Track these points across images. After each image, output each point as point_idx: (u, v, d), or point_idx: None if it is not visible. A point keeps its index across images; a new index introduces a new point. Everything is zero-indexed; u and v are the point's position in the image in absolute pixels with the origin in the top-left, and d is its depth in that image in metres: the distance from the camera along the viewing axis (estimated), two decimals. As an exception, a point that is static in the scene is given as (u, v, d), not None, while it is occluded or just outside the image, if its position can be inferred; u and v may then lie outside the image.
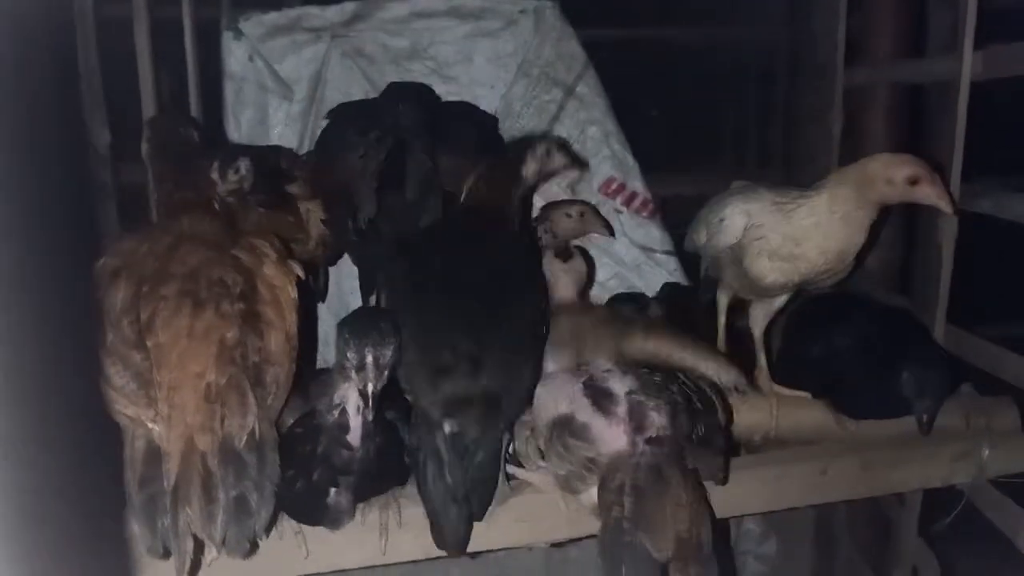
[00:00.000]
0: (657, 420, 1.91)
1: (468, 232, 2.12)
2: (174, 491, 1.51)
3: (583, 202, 2.99)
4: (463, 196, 2.26)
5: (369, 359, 1.71)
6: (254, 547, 1.59)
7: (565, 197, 3.16)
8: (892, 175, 2.22)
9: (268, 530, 1.60)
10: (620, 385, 1.98)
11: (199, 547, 1.60)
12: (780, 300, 2.63)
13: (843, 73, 3.27)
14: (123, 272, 1.76)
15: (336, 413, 1.83)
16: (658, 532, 1.78)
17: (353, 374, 1.73)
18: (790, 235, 2.33)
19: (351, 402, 1.81)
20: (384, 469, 1.93)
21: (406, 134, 2.44)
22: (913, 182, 2.21)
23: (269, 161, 2.54)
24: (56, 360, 1.18)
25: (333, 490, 1.87)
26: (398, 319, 1.91)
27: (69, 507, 1.20)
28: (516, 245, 2.14)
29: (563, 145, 2.39)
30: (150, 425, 1.59)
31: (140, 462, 1.58)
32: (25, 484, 0.94)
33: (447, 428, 1.82)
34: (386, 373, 1.75)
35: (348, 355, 1.72)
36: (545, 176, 2.40)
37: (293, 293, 1.83)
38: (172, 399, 1.57)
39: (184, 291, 1.68)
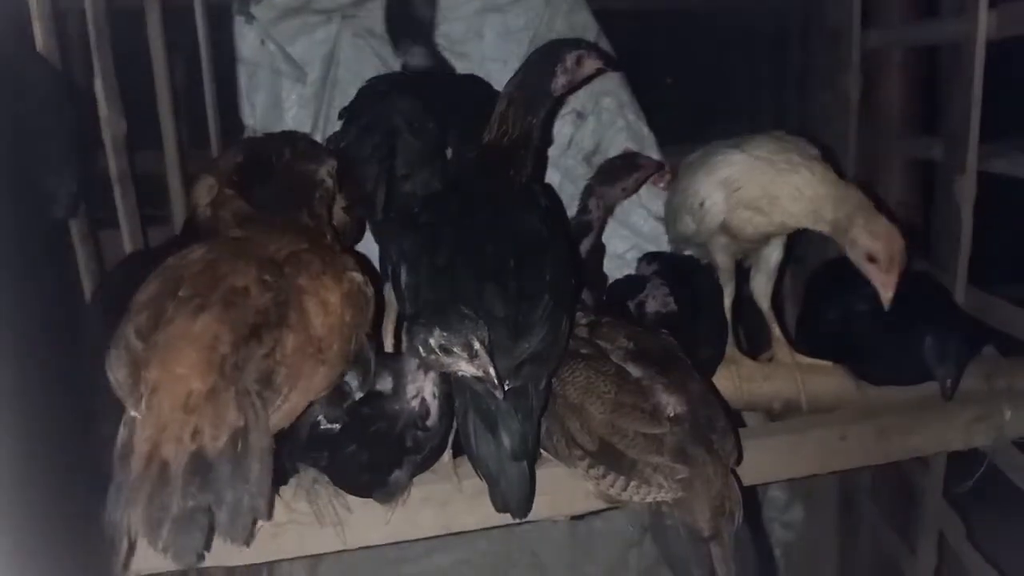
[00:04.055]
0: (671, 399, 1.94)
1: (479, 194, 2.08)
2: (128, 489, 1.50)
3: (631, 166, 3.03)
4: (488, 130, 2.18)
5: (477, 345, 1.73)
6: (200, 558, 1.54)
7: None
8: (871, 248, 2.24)
9: (248, 539, 1.56)
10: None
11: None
12: (778, 254, 2.65)
13: (859, 35, 3.23)
14: (167, 271, 1.77)
15: (415, 403, 1.89)
16: (696, 512, 1.84)
17: (463, 365, 1.75)
18: (772, 196, 2.37)
19: (427, 390, 1.88)
20: (446, 443, 2.01)
21: (396, 117, 2.53)
22: (871, 259, 2.26)
23: (283, 154, 2.57)
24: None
25: (398, 471, 1.94)
26: (422, 294, 1.94)
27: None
28: (530, 200, 2.07)
29: (592, 47, 2.22)
30: (133, 414, 1.58)
31: (119, 449, 1.56)
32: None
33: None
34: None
35: (453, 349, 1.74)
36: (575, 86, 2.31)
37: (333, 298, 1.81)
38: (151, 400, 1.55)
39: (196, 294, 1.67)
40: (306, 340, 1.72)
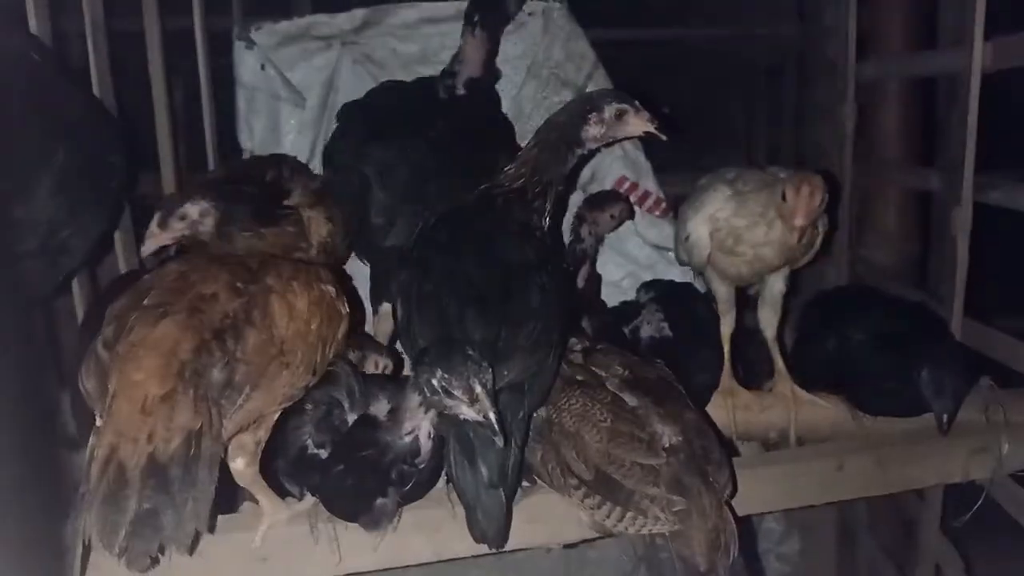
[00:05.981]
0: (667, 429, 1.92)
1: (469, 226, 2.07)
2: (87, 495, 1.51)
3: (620, 199, 3.07)
4: (510, 167, 2.12)
5: (478, 389, 1.71)
6: (155, 562, 1.56)
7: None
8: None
9: (192, 547, 1.57)
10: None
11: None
12: (780, 284, 2.61)
13: (854, 68, 3.26)
14: (140, 285, 1.79)
15: (408, 439, 1.87)
16: (692, 545, 1.81)
17: (464, 408, 1.73)
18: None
19: (424, 430, 1.87)
20: (436, 479, 1.99)
21: (368, 167, 2.60)
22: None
23: (266, 175, 2.57)
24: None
25: (381, 499, 1.91)
26: (413, 324, 1.93)
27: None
28: (522, 231, 2.04)
29: (643, 107, 2.09)
30: (99, 423, 1.60)
31: (87, 458, 1.57)
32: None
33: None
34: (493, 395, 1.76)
35: (454, 392, 1.71)
36: (611, 141, 2.18)
37: (300, 303, 1.81)
38: (111, 406, 1.57)
39: (160, 303, 1.68)
40: (268, 340, 1.73)
